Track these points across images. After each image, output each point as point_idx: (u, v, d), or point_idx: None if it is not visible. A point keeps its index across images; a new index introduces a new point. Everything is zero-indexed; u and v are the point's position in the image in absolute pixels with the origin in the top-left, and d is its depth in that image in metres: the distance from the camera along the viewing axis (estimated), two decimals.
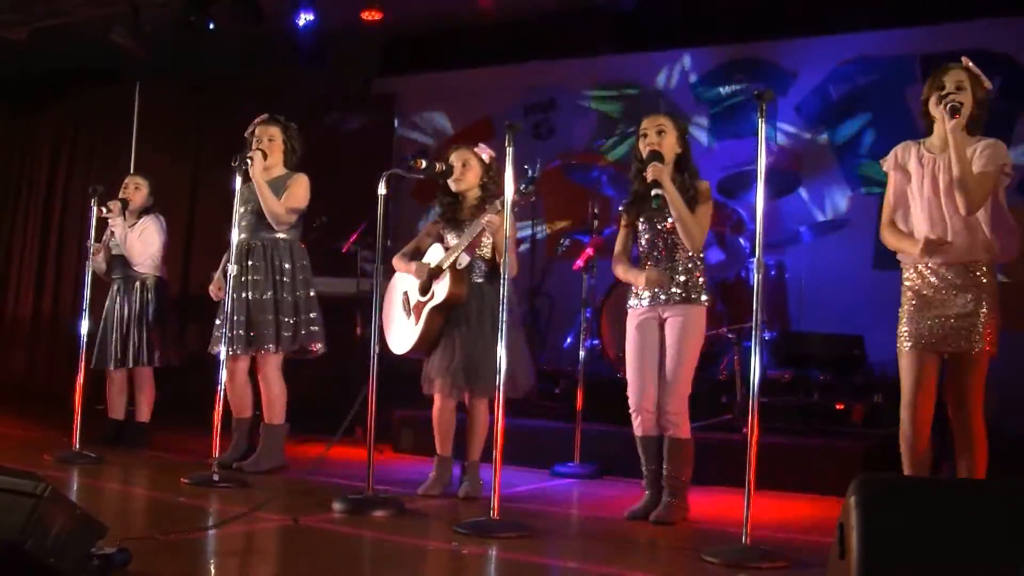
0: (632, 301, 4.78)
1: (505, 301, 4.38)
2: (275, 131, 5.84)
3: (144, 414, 6.58)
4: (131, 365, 6.49)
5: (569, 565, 3.94)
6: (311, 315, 5.76)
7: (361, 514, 4.48)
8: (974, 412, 3.97)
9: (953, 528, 2.60)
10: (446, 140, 9.09)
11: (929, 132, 4.18)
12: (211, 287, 5.97)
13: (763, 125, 3.95)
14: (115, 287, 6.61)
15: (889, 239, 4.24)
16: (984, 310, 3.96)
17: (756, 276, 3.98)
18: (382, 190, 4.81)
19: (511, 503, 4.52)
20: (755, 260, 3.99)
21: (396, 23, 8.49)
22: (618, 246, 4.87)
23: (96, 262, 6.48)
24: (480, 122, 8.93)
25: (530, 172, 4.74)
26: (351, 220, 7.57)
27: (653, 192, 4.50)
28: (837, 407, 6.27)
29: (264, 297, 5.65)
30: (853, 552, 2.60)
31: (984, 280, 4.00)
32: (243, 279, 5.65)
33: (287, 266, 5.73)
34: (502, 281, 4.41)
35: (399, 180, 6.29)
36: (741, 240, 6.92)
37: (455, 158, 5.22)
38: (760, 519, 3.84)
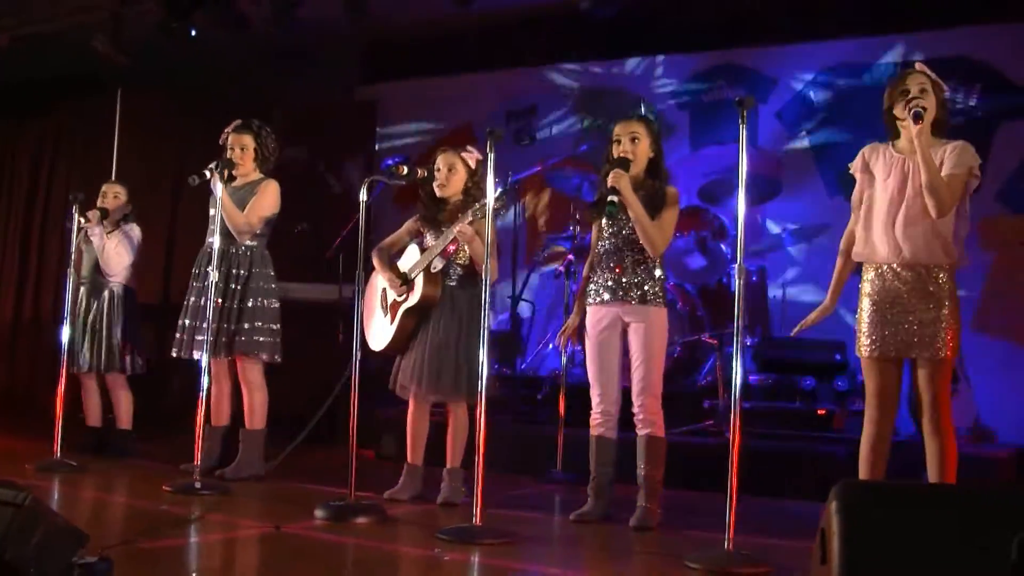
0: (590, 298, 4.76)
1: (487, 306, 4.39)
2: (247, 139, 5.82)
3: (124, 421, 6.55)
4: (102, 370, 6.46)
5: (551, 571, 3.95)
6: (256, 324, 5.68)
7: (343, 521, 4.47)
8: (943, 417, 3.96)
9: (933, 533, 2.62)
10: (430, 146, 9.09)
11: (891, 135, 4.20)
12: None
13: (744, 131, 3.96)
14: (83, 290, 6.56)
15: (839, 259, 4.33)
16: (945, 314, 3.95)
17: (738, 282, 3.99)
18: (363, 196, 4.82)
19: (494, 509, 4.51)
20: (736, 266, 4.00)
21: (377, 30, 8.49)
22: (591, 249, 4.88)
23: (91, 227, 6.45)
24: (461, 128, 8.93)
25: (509, 179, 4.73)
26: (333, 226, 7.56)
27: (609, 198, 4.51)
28: (819, 412, 6.29)
29: (229, 304, 5.62)
30: (834, 557, 2.61)
31: (945, 285, 3.98)
32: (205, 284, 5.60)
33: (243, 273, 5.70)
34: (484, 287, 4.41)
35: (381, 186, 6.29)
36: (723, 246, 6.95)
37: (441, 161, 5.20)
38: (742, 524, 3.85)
